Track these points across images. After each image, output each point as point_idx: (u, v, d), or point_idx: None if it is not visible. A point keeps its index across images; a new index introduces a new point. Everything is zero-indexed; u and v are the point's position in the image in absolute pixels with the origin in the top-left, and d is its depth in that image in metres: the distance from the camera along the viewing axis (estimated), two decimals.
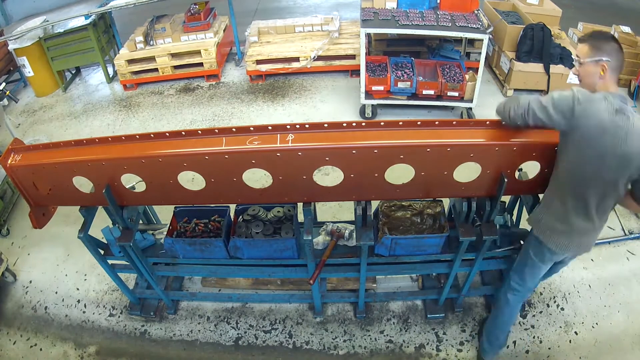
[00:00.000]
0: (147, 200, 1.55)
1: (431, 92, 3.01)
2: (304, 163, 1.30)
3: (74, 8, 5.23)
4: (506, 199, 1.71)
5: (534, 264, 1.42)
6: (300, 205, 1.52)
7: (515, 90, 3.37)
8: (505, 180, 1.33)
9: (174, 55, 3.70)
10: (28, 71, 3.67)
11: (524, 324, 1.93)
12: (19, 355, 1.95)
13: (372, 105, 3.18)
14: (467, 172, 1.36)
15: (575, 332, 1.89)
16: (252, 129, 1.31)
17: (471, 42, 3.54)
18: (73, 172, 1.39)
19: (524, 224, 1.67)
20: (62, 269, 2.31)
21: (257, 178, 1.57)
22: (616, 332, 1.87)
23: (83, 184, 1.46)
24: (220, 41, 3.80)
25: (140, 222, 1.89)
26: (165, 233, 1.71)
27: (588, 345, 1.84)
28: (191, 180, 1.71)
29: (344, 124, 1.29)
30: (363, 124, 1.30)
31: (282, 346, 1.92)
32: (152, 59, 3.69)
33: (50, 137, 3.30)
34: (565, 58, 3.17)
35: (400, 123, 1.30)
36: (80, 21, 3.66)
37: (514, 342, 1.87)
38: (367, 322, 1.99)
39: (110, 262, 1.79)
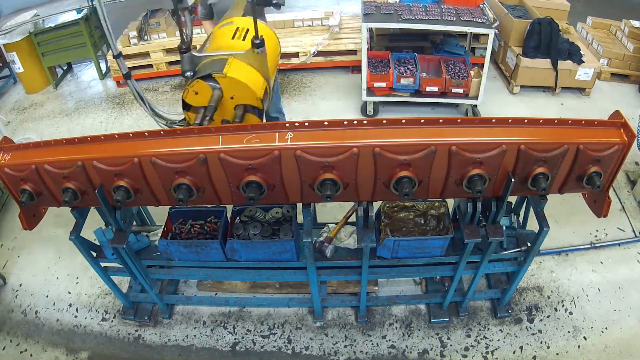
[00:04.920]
0: (140, 201, 1.49)
1: (435, 88, 2.94)
2: (303, 162, 1.23)
3: (65, 2, 5.11)
4: (512, 199, 1.66)
5: None
6: (299, 205, 1.47)
7: (522, 87, 3.30)
8: (512, 180, 1.27)
9: (169, 51, 3.62)
10: (18, 67, 3.58)
11: (531, 328, 1.89)
12: None
13: (374, 102, 3.10)
14: None
15: (584, 337, 1.84)
16: (250, 127, 1.25)
17: (476, 37, 3.46)
18: (64, 172, 1.32)
19: (531, 225, 1.62)
20: (53, 271, 2.25)
21: None
22: (627, 337, 1.83)
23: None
24: None
25: (134, 223, 1.84)
26: (160, 234, 1.66)
27: (597, 351, 1.79)
28: None
29: (345, 122, 1.24)
30: (364, 122, 1.25)
31: (281, 351, 1.87)
32: (146, 54, 3.60)
33: (40, 136, 3.22)
34: (573, 53, 3.10)
35: (403, 121, 1.25)
36: (72, 15, 3.57)
37: (521, 348, 1.83)
38: (369, 326, 1.94)
39: (102, 264, 1.74)
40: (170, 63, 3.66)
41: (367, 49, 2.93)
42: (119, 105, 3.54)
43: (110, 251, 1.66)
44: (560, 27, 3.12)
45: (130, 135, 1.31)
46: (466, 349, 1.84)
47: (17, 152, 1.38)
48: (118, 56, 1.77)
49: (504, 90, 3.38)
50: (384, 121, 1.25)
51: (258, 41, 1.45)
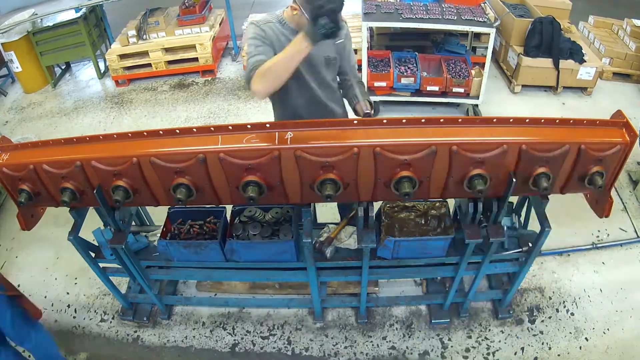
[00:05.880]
0: (139, 201, 1.48)
1: (436, 88, 2.93)
2: (303, 162, 1.22)
3: (63, 0, 5.09)
4: (514, 199, 1.65)
5: None
6: None
7: (523, 86, 3.28)
8: (514, 180, 1.26)
9: (167, 50, 3.60)
10: (16, 66, 3.56)
11: (532, 329, 1.88)
12: None
13: (375, 101, 3.09)
14: None
15: (586, 338, 1.83)
16: (249, 126, 1.24)
17: (477, 36, 3.45)
18: (62, 172, 1.31)
19: (532, 226, 1.61)
20: (52, 272, 2.24)
21: None
22: (628, 338, 1.82)
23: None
24: (216, 35, 3.70)
25: (133, 223, 1.82)
26: (159, 235, 1.65)
27: (599, 352, 1.78)
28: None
29: (345, 122, 1.23)
30: (365, 121, 1.23)
31: (281, 353, 1.86)
32: (145, 53, 3.58)
33: (39, 135, 3.20)
34: (575, 53, 3.09)
35: (404, 121, 1.24)
36: (71, 14, 3.55)
37: (522, 349, 1.82)
38: (369, 327, 1.93)
39: (101, 265, 1.72)
40: (170, 62, 3.65)
41: (368, 48, 2.92)
42: (118, 104, 3.53)
43: (109, 252, 1.65)
44: (561, 26, 3.10)
45: (129, 135, 1.30)
46: (467, 350, 1.83)
47: (15, 152, 1.36)
48: None
49: (505, 90, 3.36)
50: (385, 121, 1.24)
51: None
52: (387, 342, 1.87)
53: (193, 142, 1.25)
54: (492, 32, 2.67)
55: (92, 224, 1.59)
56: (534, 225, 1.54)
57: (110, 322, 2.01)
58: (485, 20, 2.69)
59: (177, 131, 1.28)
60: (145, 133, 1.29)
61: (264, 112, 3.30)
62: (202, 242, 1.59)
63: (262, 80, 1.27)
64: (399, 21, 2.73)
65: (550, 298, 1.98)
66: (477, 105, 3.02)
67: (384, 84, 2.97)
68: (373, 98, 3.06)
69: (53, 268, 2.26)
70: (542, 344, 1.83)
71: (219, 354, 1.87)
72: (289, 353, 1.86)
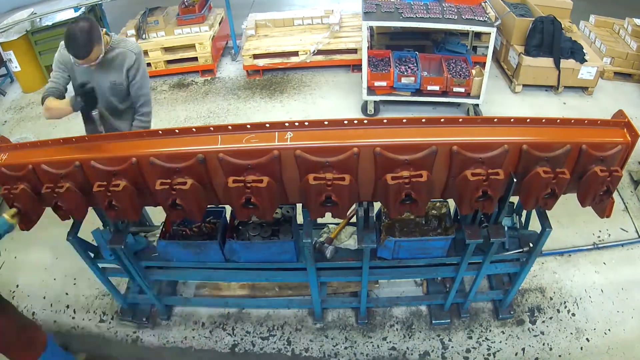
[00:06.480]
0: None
1: (436, 87, 2.92)
2: (303, 162, 1.22)
3: (62, 0, 5.08)
4: (514, 199, 1.64)
5: None
6: (299, 206, 1.45)
7: (524, 86, 3.27)
8: (515, 180, 1.25)
9: (167, 50, 3.59)
10: (15, 66, 3.55)
11: (533, 330, 1.87)
12: None
13: (375, 101, 3.08)
14: None
15: (587, 339, 1.83)
16: (249, 126, 1.24)
17: (478, 35, 3.45)
18: (61, 172, 1.30)
19: (533, 226, 1.60)
20: (51, 272, 2.23)
21: None
22: (630, 338, 1.81)
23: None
24: (215, 35, 3.69)
25: (132, 223, 1.81)
26: (158, 235, 1.64)
27: (600, 353, 1.78)
28: None
29: (345, 122, 1.23)
30: (365, 121, 1.24)
31: (281, 353, 1.86)
32: (144, 53, 3.57)
33: (38, 135, 3.19)
34: (576, 52, 3.08)
35: (404, 120, 1.24)
36: (70, 14, 3.55)
37: (523, 350, 1.81)
38: (369, 328, 1.92)
39: (100, 265, 1.72)
40: (169, 62, 3.64)
41: (368, 48, 2.92)
42: None
43: (108, 252, 1.64)
44: (562, 26, 3.09)
45: (128, 135, 1.30)
46: (467, 350, 1.82)
47: (14, 152, 1.36)
48: None
49: (506, 90, 3.35)
50: (385, 120, 1.24)
51: None
52: (387, 342, 1.87)
53: (193, 142, 1.25)
54: (493, 31, 2.66)
55: (92, 225, 1.59)
56: (535, 226, 1.54)
57: (110, 322, 2.00)
58: (486, 19, 2.68)
59: (177, 131, 1.28)
60: (144, 133, 1.29)
61: (264, 112, 3.29)
62: (202, 243, 1.59)
63: (45, 113, 1.61)
64: (399, 20, 2.72)
65: (551, 298, 1.98)
66: (477, 105, 3.01)
67: (384, 83, 2.96)
68: (373, 98, 3.06)
69: (52, 268, 2.25)
70: (543, 344, 1.82)
71: (219, 355, 1.86)
72: (289, 354, 1.85)
